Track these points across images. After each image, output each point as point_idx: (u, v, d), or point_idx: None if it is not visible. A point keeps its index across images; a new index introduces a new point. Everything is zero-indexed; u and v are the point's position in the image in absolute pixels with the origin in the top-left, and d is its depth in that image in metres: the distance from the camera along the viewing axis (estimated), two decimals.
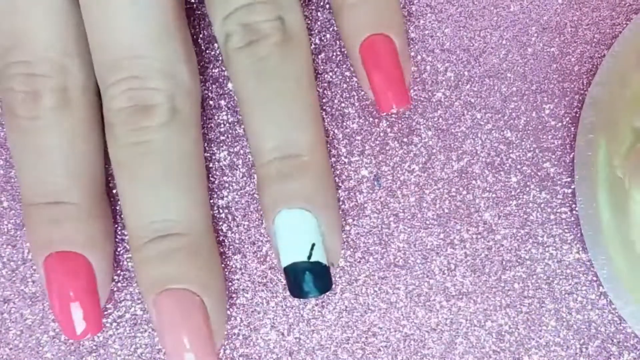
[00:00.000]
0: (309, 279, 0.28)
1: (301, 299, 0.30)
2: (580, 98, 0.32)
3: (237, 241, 0.31)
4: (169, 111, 0.27)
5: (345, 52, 0.31)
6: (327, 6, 0.32)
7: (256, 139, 0.28)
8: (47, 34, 0.27)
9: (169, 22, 0.28)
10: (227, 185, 0.31)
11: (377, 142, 0.31)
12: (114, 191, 0.31)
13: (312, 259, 0.28)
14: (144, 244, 0.27)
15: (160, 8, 0.27)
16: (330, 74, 0.32)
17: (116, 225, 0.30)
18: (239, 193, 0.31)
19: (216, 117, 0.31)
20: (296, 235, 0.28)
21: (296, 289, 0.28)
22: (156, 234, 0.27)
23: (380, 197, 0.31)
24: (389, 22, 0.29)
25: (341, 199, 0.31)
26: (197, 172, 0.29)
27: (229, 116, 0.31)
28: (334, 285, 0.31)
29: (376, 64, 0.29)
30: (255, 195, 0.31)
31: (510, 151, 0.31)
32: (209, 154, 0.31)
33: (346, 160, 0.31)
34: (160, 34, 0.27)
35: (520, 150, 0.31)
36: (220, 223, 0.31)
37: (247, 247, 0.31)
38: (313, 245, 0.28)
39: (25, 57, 0.27)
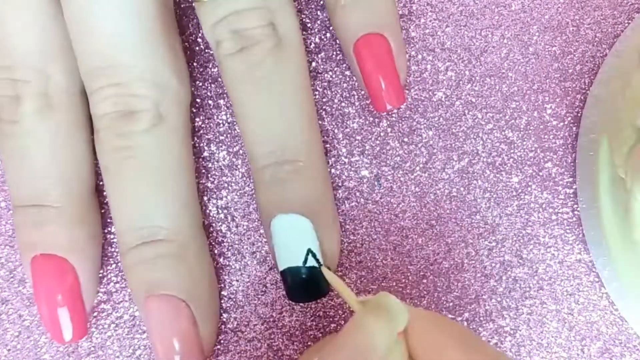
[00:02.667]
0: (304, 284, 0.27)
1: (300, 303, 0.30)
2: (582, 97, 0.32)
3: (236, 242, 0.30)
4: (154, 117, 0.27)
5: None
6: None
7: (252, 144, 0.28)
8: (28, 40, 0.27)
9: (154, 29, 0.27)
10: (226, 185, 0.31)
11: (378, 142, 0.31)
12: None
13: (308, 264, 0.27)
14: (129, 249, 0.27)
15: (145, 16, 0.27)
16: (330, 73, 0.32)
17: (113, 227, 0.30)
18: (238, 193, 0.31)
19: (215, 117, 0.31)
20: (292, 240, 0.28)
21: (291, 294, 0.28)
22: (141, 239, 0.27)
23: (380, 197, 0.31)
24: (382, 22, 0.29)
25: (341, 199, 0.31)
26: (184, 177, 0.28)
27: (228, 116, 0.31)
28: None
29: (370, 63, 0.29)
30: (254, 195, 0.31)
31: (512, 151, 0.31)
32: (208, 154, 0.31)
33: (346, 160, 0.31)
34: (144, 43, 0.27)
35: (522, 150, 0.31)
36: (219, 224, 0.31)
37: (247, 248, 0.30)
38: (309, 250, 0.27)
39: (7, 63, 0.27)
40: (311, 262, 0.27)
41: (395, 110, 0.31)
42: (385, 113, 0.31)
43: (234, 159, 0.31)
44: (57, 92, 0.28)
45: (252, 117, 0.28)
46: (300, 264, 0.27)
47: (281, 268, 0.28)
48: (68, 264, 0.28)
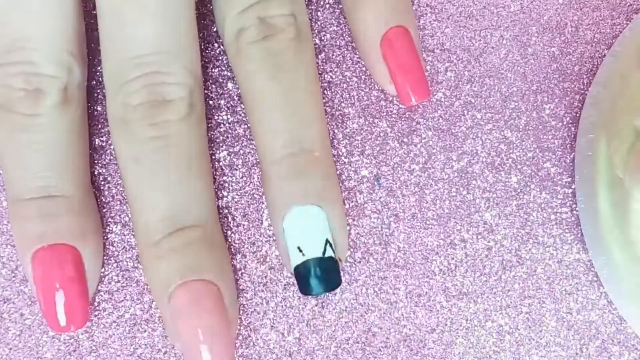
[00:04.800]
0: (324, 275, 0.28)
1: (307, 297, 0.30)
2: (581, 98, 0.32)
3: (236, 241, 0.31)
4: (188, 106, 0.28)
5: (357, 47, 0.31)
6: (327, 6, 0.32)
7: (266, 134, 0.28)
8: (55, 35, 0.27)
9: (192, 17, 0.28)
10: (226, 185, 0.31)
11: (377, 142, 0.31)
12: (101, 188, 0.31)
13: (326, 255, 0.28)
14: (161, 238, 0.27)
15: (186, 3, 0.27)
16: (330, 74, 0.32)
17: (115, 225, 0.30)
18: (238, 193, 0.31)
19: (216, 117, 0.31)
20: (310, 231, 0.28)
21: (310, 286, 0.28)
22: (174, 227, 0.27)
23: (380, 197, 0.31)
24: (405, 14, 0.30)
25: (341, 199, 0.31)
26: (208, 165, 0.29)
27: (228, 116, 0.31)
28: None
29: (399, 56, 0.29)
30: (255, 195, 0.31)
31: (511, 151, 0.31)
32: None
33: (346, 160, 0.31)
34: (186, 29, 0.28)
35: (521, 150, 0.31)
36: (220, 223, 0.31)
37: (247, 247, 0.31)
38: (327, 240, 0.28)
39: (31, 58, 0.27)
40: (329, 252, 0.28)
41: (395, 111, 0.31)
42: (407, 106, 0.31)
43: (235, 159, 0.31)
44: (73, 87, 0.28)
45: (269, 105, 0.28)
46: (319, 254, 0.28)
47: (298, 261, 0.28)
48: (76, 252, 0.28)
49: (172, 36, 0.27)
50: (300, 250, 0.28)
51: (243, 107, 0.31)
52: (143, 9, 0.27)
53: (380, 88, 0.31)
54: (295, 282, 0.30)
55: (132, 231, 0.30)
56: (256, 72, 0.28)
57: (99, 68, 0.31)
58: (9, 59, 0.27)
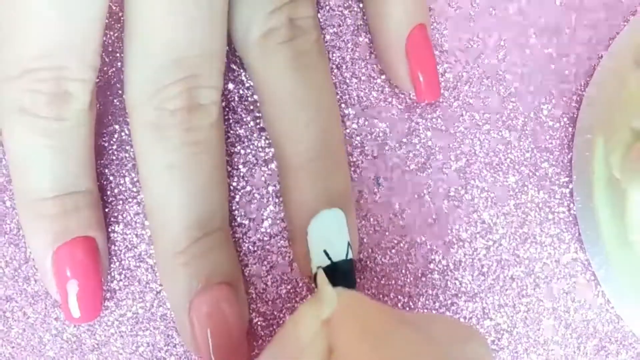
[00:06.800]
0: (346, 277, 0.28)
1: (307, 297, 0.30)
2: (578, 99, 0.32)
3: (237, 241, 0.31)
4: (218, 109, 0.28)
5: (378, 42, 0.31)
6: (327, 7, 0.32)
7: (292, 134, 0.28)
8: (89, 39, 0.26)
9: (225, 18, 0.27)
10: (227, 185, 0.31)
11: (377, 142, 0.31)
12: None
13: (348, 257, 0.28)
14: (189, 244, 0.27)
15: (222, 5, 0.27)
16: (331, 74, 0.32)
17: (117, 225, 0.31)
18: (238, 193, 0.31)
19: None
20: (335, 235, 0.28)
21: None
22: (202, 231, 0.27)
23: (380, 198, 0.31)
24: (426, 11, 0.30)
25: None
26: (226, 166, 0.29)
27: (229, 116, 0.31)
28: None
29: (421, 53, 0.29)
30: (255, 195, 0.31)
31: (509, 151, 0.32)
32: None
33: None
34: (220, 29, 0.27)
35: (519, 151, 0.32)
36: None
37: (247, 247, 0.31)
38: (347, 243, 0.28)
39: (66, 62, 0.26)
40: (350, 254, 0.28)
41: (394, 111, 0.32)
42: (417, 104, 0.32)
43: (235, 159, 0.31)
44: (94, 89, 0.28)
45: (294, 106, 0.28)
46: (343, 257, 0.28)
47: (326, 263, 0.28)
48: (95, 243, 0.28)
49: (210, 38, 0.27)
50: (327, 254, 0.28)
51: (243, 107, 0.31)
52: (177, 10, 0.26)
53: (380, 88, 0.32)
54: (294, 282, 0.30)
55: (151, 238, 0.30)
56: (286, 72, 0.28)
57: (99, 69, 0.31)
58: (42, 64, 0.26)
